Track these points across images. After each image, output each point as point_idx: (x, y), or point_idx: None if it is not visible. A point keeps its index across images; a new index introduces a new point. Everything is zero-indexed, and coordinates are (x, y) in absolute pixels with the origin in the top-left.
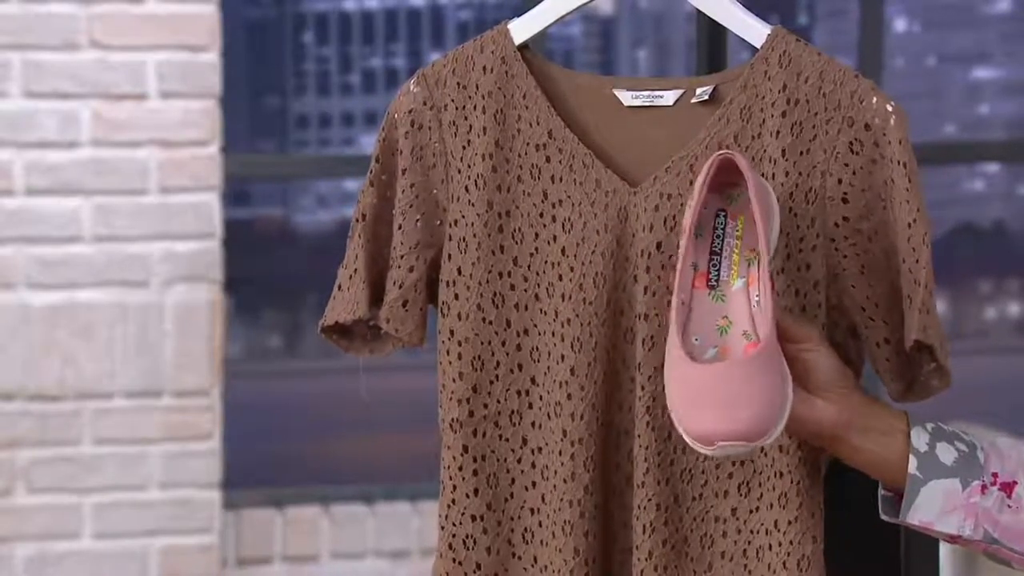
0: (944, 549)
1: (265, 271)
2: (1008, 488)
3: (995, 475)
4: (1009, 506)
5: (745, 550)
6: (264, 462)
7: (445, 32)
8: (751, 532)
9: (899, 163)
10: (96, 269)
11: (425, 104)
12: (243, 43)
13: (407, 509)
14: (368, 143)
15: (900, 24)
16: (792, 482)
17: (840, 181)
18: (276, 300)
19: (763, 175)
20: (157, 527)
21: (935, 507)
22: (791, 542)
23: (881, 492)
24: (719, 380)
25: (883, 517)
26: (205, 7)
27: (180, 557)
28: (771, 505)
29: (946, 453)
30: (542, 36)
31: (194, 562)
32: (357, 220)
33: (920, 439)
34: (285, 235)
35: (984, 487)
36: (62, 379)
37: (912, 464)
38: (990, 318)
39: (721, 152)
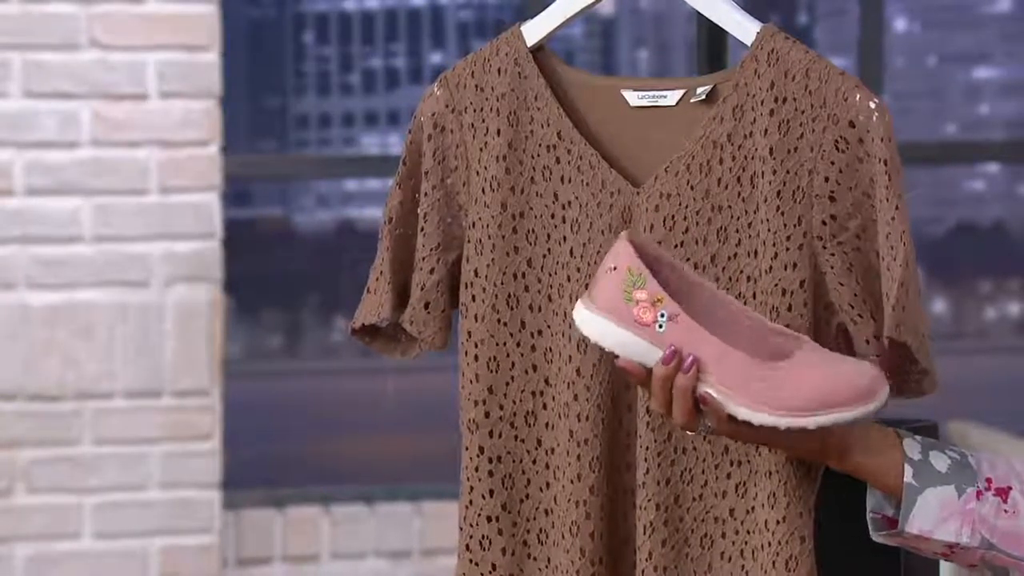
0: None
1: (265, 271)
2: (1003, 494)
3: (989, 480)
4: (1005, 511)
5: (743, 550)
6: (264, 462)
7: (445, 32)
8: (747, 532)
9: (880, 160)
10: (96, 269)
11: (447, 107)
12: (243, 43)
13: (407, 509)
14: (368, 143)
15: (900, 24)
16: (780, 481)
17: (827, 179)
18: (276, 300)
19: (753, 174)
20: (157, 527)
21: (932, 515)
22: (779, 542)
23: (870, 514)
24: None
25: (875, 538)
26: (205, 7)
27: (180, 557)
28: (763, 505)
29: (939, 461)
30: (548, 38)
31: (194, 562)
32: (385, 223)
33: (913, 449)
34: (285, 235)
35: (979, 493)
36: (62, 379)
37: (908, 473)
38: (990, 318)
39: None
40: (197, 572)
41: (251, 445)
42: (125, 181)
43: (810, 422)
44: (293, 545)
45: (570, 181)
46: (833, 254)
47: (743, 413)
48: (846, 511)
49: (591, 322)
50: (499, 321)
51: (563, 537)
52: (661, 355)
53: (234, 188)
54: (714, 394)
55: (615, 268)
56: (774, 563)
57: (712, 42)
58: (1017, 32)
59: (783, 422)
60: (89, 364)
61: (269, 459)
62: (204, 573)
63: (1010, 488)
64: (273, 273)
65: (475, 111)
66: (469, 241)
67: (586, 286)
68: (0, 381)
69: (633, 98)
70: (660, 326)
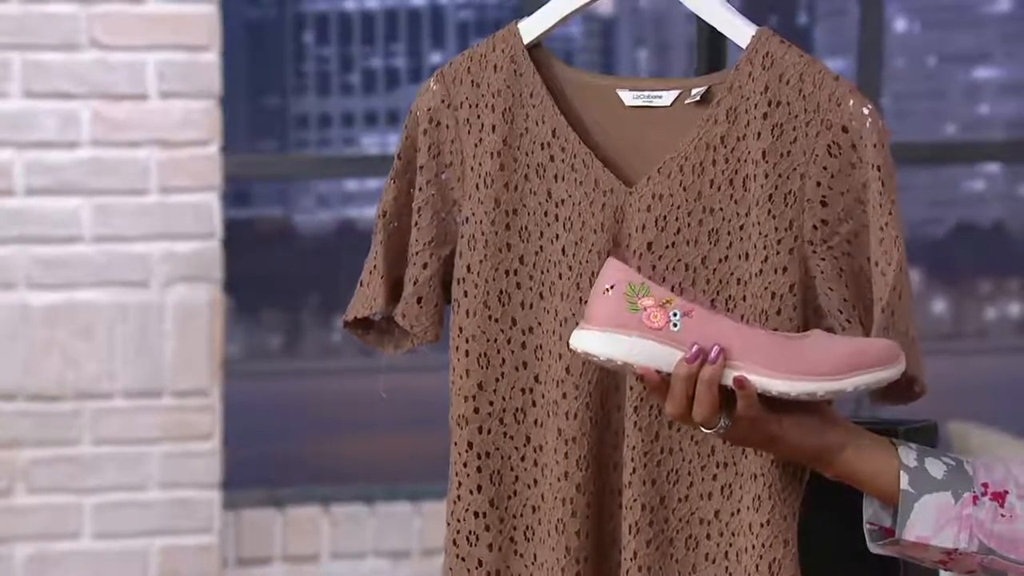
0: None
1: (265, 271)
2: (1000, 498)
3: (985, 485)
4: (1002, 515)
5: (727, 552)
6: (264, 462)
7: (445, 32)
8: (732, 535)
9: (873, 166)
10: (96, 269)
11: (443, 102)
12: (243, 43)
13: (407, 509)
14: (368, 143)
15: (900, 24)
16: (766, 485)
17: (819, 184)
18: (276, 300)
19: (746, 176)
20: (157, 527)
21: (930, 521)
22: (764, 545)
23: (867, 526)
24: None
25: (872, 549)
26: (205, 7)
27: (180, 557)
28: (748, 507)
29: (935, 467)
30: (544, 36)
31: (194, 562)
32: (379, 216)
33: (908, 456)
34: (285, 235)
35: (976, 498)
36: (62, 379)
37: (904, 480)
38: (990, 318)
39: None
40: (197, 572)
41: (251, 445)
42: (125, 181)
43: (848, 384)
44: (293, 545)
45: (563, 179)
46: (823, 259)
47: (780, 386)
48: (848, 517)
49: (594, 340)
50: (490, 317)
51: (549, 535)
52: (680, 354)
53: (234, 188)
54: (748, 375)
55: (612, 287)
56: (757, 566)
57: (711, 43)
58: (1017, 32)
59: (823, 387)
60: (89, 364)
61: (269, 459)
62: (204, 573)
63: (1007, 492)
64: (273, 273)
65: (471, 107)
66: (462, 236)
67: (577, 285)
68: (0, 381)
69: (628, 98)
70: (675, 325)
